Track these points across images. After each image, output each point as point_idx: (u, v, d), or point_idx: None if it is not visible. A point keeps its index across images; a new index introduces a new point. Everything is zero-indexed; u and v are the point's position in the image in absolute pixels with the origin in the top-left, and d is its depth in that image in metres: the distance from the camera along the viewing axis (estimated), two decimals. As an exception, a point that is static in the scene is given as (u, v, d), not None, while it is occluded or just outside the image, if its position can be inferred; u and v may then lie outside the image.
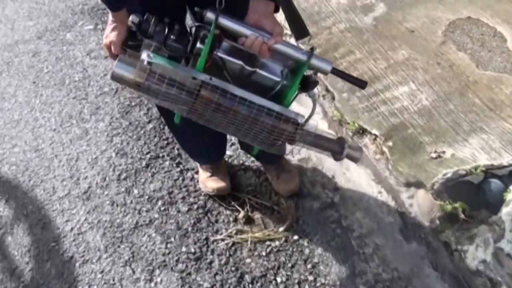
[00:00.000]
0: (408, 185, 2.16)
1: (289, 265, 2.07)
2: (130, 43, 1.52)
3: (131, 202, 2.33)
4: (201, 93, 1.41)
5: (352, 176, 2.34)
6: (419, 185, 2.13)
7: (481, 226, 1.95)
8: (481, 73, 2.57)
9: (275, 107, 1.48)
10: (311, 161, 2.46)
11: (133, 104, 2.79)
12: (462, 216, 2.01)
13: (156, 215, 2.27)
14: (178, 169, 2.44)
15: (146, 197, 2.34)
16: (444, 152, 2.20)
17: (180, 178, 2.41)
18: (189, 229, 2.20)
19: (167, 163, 2.48)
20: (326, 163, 2.37)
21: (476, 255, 1.89)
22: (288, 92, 1.50)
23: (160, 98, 1.42)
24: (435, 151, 2.21)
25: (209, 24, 1.39)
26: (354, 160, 1.69)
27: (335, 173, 2.35)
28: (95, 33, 3.34)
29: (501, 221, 1.89)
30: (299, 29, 1.51)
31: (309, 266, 2.06)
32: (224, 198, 2.31)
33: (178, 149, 2.54)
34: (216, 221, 2.23)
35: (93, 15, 3.50)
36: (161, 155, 2.51)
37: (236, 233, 2.18)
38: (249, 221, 2.24)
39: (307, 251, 2.11)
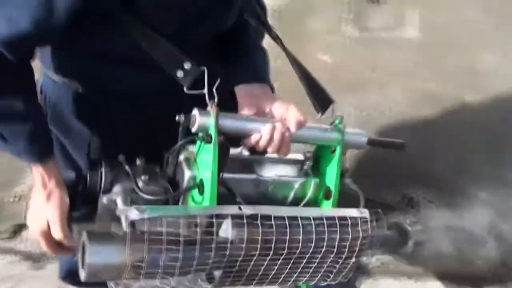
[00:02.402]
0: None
1: None
2: (73, 215, 1.04)
3: None
4: (237, 235, 0.94)
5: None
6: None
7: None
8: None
9: (336, 212, 1.05)
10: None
11: None
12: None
13: None
14: None
15: None
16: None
17: None
18: None
19: None
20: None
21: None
22: (324, 189, 1.13)
23: (177, 273, 0.90)
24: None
25: (198, 134, 0.98)
26: (421, 245, 1.21)
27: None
28: None
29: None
30: (322, 98, 1.15)
31: None
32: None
33: None
34: None
35: None
36: None
37: None
38: None
39: None
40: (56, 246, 1.04)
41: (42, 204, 1.00)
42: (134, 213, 0.87)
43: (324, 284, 1.10)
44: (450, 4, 2.46)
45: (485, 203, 1.98)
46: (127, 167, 1.00)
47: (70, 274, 1.56)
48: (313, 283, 1.10)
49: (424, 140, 2.16)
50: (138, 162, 1.02)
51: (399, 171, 2.01)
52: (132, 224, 0.87)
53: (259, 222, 0.95)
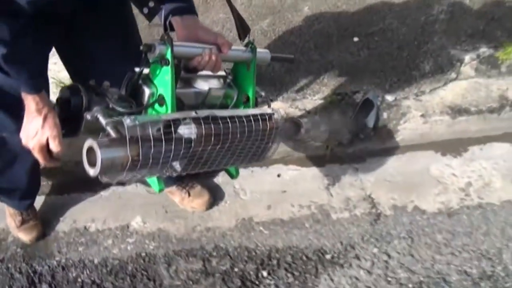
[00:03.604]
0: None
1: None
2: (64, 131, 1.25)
3: None
4: (198, 132, 1.22)
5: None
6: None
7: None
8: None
9: (256, 110, 1.37)
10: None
11: None
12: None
13: None
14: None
15: None
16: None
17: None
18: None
19: None
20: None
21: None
22: (242, 96, 1.42)
23: (161, 162, 1.18)
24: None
25: (154, 61, 1.22)
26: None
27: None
28: None
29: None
30: (244, 27, 1.43)
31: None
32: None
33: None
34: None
35: None
36: None
37: None
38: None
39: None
40: (50, 158, 1.28)
41: (40, 126, 1.22)
42: (128, 121, 1.13)
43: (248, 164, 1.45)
44: None
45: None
46: (101, 89, 1.23)
47: None
48: (246, 163, 1.44)
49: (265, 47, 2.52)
50: (105, 84, 1.24)
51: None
52: (125, 129, 1.11)
53: (211, 121, 1.23)
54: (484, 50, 2.50)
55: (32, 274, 2.09)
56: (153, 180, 1.35)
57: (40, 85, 1.21)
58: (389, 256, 2.07)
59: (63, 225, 2.24)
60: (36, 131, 1.22)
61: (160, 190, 1.36)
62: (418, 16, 2.65)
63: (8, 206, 2.17)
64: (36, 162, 1.34)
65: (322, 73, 2.47)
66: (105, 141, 1.13)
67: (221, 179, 2.35)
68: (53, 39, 1.46)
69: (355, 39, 2.59)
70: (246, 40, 1.41)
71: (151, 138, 1.14)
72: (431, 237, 2.13)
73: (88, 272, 2.09)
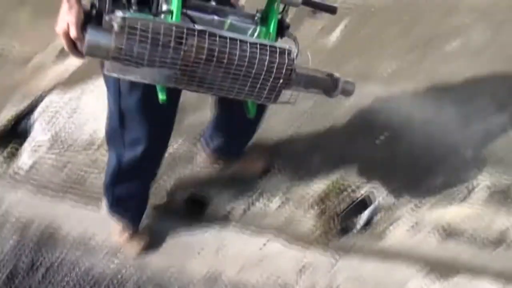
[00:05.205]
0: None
1: None
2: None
3: None
4: (189, 42, 1.29)
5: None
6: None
7: None
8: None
9: (267, 41, 1.40)
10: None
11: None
12: None
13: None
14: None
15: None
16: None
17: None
18: None
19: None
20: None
21: None
22: (268, 31, 1.47)
23: (145, 62, 1.29)
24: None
25: None
26: (348, 93, 1.62)
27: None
28: None
29: None
30: None
31: None
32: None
33: None
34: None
35: None
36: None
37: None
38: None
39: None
40: (73, 46, 1.41)
41: (65, 12, 1.36)
42: (119, 13, 1.27)
43: (259, 102, 1.47)
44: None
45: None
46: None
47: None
48: (251, 99, 1.46)
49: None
50: None
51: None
52: (122, 20, 1.25)
53: (206, 36, 1.30)
54: (503, 182, 2.41)
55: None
56: (160, 88, 1.47)
57: None
58: None
59: (75, 232, 2.65)
60: (62, 16, 1.37)
61: (162, 100, 1.46)
62: (456, 135, 2.63)
63: (120, 221, 2.43)
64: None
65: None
66: (98, 27, 1.30)
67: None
68: None
69: (382, 137, 2.66)
70: None
71: (137, 33, 1.25)
72: None
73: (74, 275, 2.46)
